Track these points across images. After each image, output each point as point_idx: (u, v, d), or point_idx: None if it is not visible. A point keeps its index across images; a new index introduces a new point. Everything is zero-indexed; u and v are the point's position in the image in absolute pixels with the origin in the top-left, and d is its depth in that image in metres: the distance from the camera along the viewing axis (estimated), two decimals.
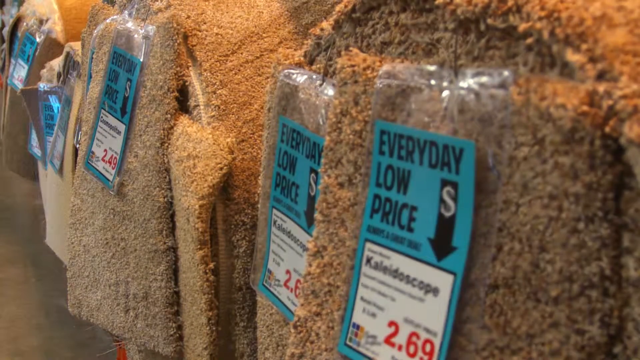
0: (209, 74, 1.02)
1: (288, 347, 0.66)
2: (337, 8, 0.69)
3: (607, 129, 0.43)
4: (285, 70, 0.77)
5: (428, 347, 0.53)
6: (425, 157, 0.54)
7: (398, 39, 0.62)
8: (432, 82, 0.55)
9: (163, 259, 1.04)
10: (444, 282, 0.52)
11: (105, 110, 1.15)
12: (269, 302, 0.82)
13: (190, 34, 1.04)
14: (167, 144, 1.02)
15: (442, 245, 0.53)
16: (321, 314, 0.64)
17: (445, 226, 0.53)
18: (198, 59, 1.03)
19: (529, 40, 0.49)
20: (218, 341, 0.98)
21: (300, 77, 0.76)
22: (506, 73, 0.49)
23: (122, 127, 1.10)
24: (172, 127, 1.02)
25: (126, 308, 1.11)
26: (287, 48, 1.04)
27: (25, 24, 2.30)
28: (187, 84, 1.03)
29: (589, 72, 0.45)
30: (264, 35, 1.07)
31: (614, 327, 0.44)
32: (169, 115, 1.02)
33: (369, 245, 0.59)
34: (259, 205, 0.86)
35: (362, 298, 0.59)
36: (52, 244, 1.96)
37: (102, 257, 1.15)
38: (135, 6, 1.16)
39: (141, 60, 1.07)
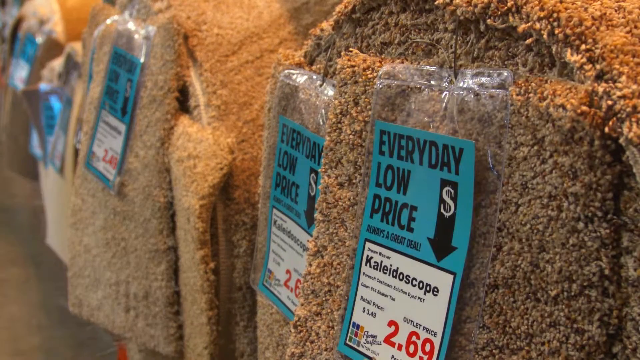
0: (209, 75, 1.02)
1: (288, 347, 0.67)
2: (337, 8, 0.69)
3: (607, 129, 0.43)
4: (286, 71, 0.77)
5: (428, 347, 0.53)
6: (425, 157, 0.54)
7: (398, 40, 0.62)
8: (432, 82, 0.55)
9: (163, 259, 1.04)
10: (444, 281, 0.53)
11: (105, 110, 1.15)
12: (269, 301, 0.82)
13: (190, 35, 1.04)
14: (167, 144, 1.02)
15: (441, 245, 0.53)
16: (321, 314, 0.64)
17: (444, 226, 0.53)
18: (198, 59, 1.03)
19: (529, 41, 0.49)
20: (218, 340, 0.98)
21: (300, 78, 0.76)
22: (505, 73, 0.50)
23: (122, 127, 1.10)
24: (172, 128, 1.02)
25: (127, 307, 1.11)
26: (287, 48, 1.05)
27: (26, 24, 2.30)
28: (187, 84, 1.03)
29: (588, 73, 0.45)
30: (264, 35, 1.08)
31: (613, 326, 0.44)
32: (169, 116, 1.02)
33: (368, 245, 0.59)
34: (259, 205, 0.86)
35: (362, 298, 0.60)
36: (52, 244, 1.97)
37: (102, 256, 1.15)
38: (136, 7, 1.16)
39: (142, 60, 1.07)
